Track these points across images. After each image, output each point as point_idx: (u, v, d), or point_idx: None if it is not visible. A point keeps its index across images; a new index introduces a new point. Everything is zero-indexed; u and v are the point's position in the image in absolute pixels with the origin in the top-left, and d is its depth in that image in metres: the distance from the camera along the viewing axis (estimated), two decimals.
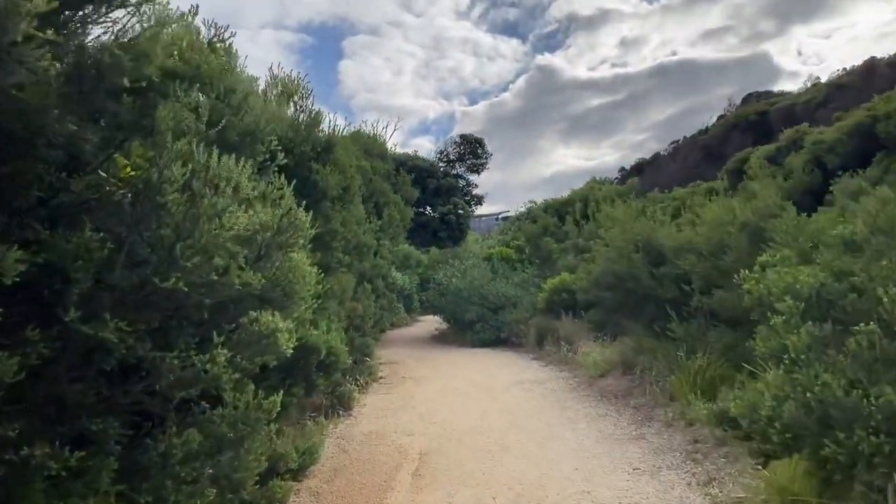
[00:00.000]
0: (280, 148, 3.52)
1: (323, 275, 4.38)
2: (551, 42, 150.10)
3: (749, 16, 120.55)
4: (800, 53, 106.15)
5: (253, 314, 2.79)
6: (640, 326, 8.87)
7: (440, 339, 18.67)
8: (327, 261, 5.51)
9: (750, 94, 62.17)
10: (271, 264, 2.90)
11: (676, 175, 26.63)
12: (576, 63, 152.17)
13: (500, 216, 56.50)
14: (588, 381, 9.38)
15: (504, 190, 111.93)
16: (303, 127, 5.27)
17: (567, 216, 15.46)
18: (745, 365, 5.33)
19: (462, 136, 20.71)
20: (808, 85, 39.94)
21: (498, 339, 15.58)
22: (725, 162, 20.72)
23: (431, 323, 22.02)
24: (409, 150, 19.30)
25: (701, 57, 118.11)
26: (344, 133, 5.99)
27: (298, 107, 5.40)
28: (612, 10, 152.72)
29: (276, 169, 3.47)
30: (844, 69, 37.03)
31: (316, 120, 5.47)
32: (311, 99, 5.43)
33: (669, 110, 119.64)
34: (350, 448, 6.82)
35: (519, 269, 17.45)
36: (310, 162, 5.11)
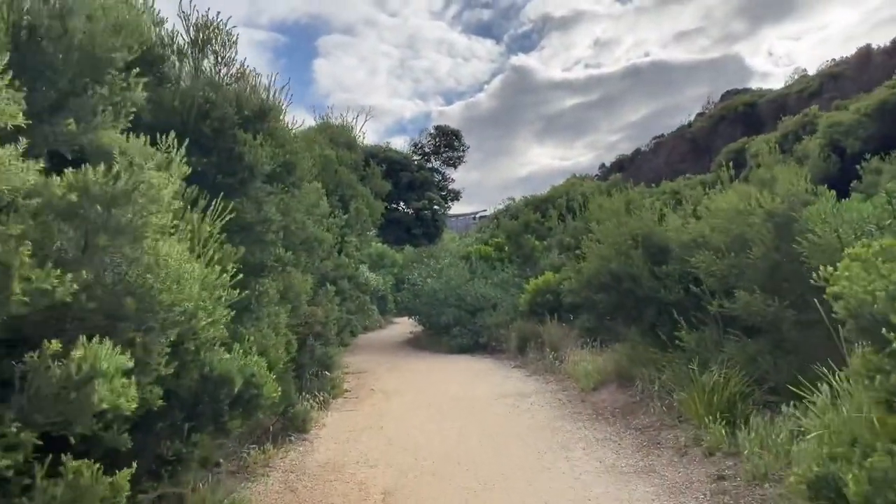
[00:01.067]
0: (147, 67, 2.35)
1: (242, 276, 3.20)
2: (525, 43, 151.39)
3: (720, 17, 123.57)
4: (770, 54, 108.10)
5: (55, 345, 1.62)
6: (638, 333, 7.83)
7: (415, 344, 17.53)
8: (261, 258, 4.28)
9: (729, 91, 62.32)
10: (106, 259, 1.72)
11: (661, 170, 25.83)
12: (550, 64, 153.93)
13: (476, 215, 55.48)
14: (579, 396, 8.30)
15: (480, 189, 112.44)
16: (225, 84, 4.06)
17: (550, 212, 14.40)
18: (791, 388, 4.30)
19: (438, 128, 19.44)
20: (795, 77, 39.53)
21: (476, 345, 14.48)
22: (712, 155, 19.90)
23: (406, 325, 20.89)
24: (381, 143, 18.12)
25: (673, 58, 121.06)
26: (286, 97, 4.77)
27: (220, 58, 4.20)
28: (586, 11, 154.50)
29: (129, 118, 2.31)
30: (833, 60, 36.73)
31: (243, 75, 4.26)
32: (236, 50, 4.22)
33: (643, 111, 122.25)
34: (300, 486, 5.63)
35: (498, 268, 16.37)
36: (234, 129, 3.90)
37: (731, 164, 8.31)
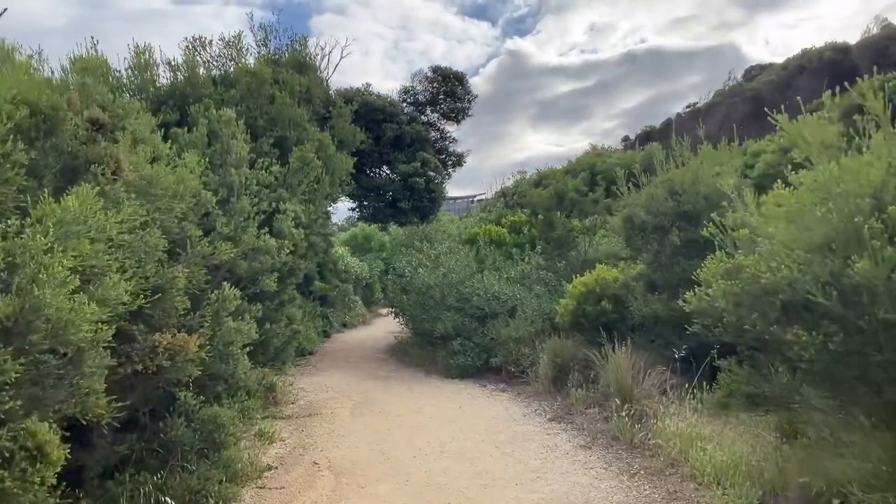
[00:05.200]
0: None
1: None
2: (521, 27, 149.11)
3: (716, 5, 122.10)
4: (767, 43, 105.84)
5: None
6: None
7: (400, 356, 13.34)
8: None
9: (752, 67, 58.59)
10: None
11: (715, 137, 21.64)
12: (546, 48, 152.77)
13: (475, 198, 50.79)
14: None
15: (475, 174, 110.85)
16: None
17: (614, 175, 10.04)
18: None
19: (436, 70, 14.96)
20: (869, 33, 34.57)
21: (486, 367, 10.29)
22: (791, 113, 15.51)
23: (394, 322, 16.63)
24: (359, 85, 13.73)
25: (669, 45, 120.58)
26: None
27: None
28: None
29: None
30: None
31: None
32: None
33: (638, 98, 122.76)
34: None
35: (516, 257, 12.13)
36: None
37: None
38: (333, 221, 20.43)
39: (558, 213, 11.04)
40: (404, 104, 14.64)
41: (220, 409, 4.79)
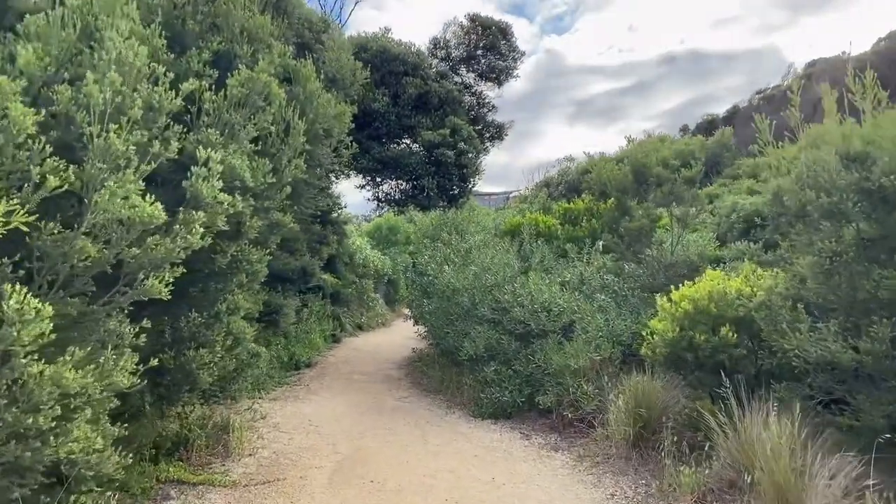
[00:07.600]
0: None
1: None
2: (559, 25, 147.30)
3: (758, 6, 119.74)
4: (811, 46, 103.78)
5: None
6: None
7: (416, 375, 10.76)
8: None
9: (814, 60, 55.53)
10: None
11: (812, 118, 18.49)
12: (583, 47, 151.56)
13: (510, 195, 48.05)
14: None
15: (508, 173, 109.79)
16: None
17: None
18: None
19: (473, 20, 12.13)
20: None
21: (530, 404, 7.58)
22: None
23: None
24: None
25: (709, 46, 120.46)
26: None
27: None
28: None
29: None
30: None
31: None
32: None
33: (677, 99, 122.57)
34: None
35: (573, 254, 9.34)
36: None
37: None
38: (357, 214, 18.09)
39: (636, 198, 8.21)
40: (433, 59, 11.89)
41: None
